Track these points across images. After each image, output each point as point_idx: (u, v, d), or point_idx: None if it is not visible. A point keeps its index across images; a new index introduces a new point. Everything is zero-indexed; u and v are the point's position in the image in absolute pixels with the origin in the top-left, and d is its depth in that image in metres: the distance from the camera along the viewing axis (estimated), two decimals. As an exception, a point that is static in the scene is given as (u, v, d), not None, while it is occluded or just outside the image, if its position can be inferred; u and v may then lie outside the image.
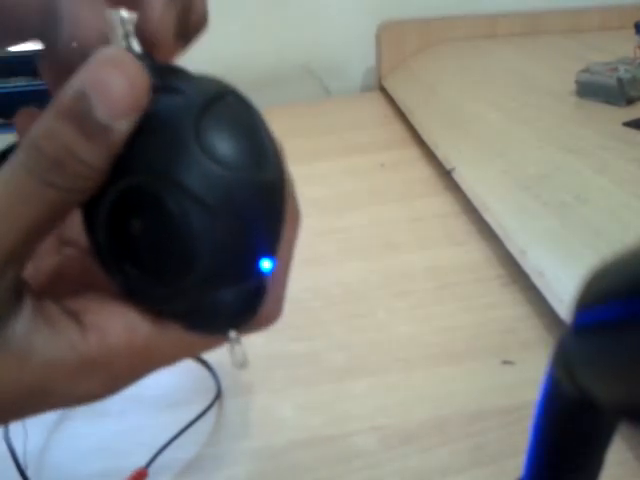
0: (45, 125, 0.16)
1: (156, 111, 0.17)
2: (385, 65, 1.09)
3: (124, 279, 0.19)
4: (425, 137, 0.81)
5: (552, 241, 0.51)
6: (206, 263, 0.17)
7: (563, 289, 0.46)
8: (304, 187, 0.85)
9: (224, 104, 0.18)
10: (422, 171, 0.77)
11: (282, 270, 0.21)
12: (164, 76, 0.18)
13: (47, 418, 0.44)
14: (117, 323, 0.19)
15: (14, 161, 0.16)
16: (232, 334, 0.20)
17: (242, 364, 0.20)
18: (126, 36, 0.18)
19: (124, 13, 0.18)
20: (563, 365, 0.18)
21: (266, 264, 0.19)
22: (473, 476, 0.37)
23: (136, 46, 0.18)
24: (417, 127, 0.85)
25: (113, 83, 0.16)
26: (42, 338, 0.17)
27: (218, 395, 0.45)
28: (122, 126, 0.16)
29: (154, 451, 0.40)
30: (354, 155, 0.83)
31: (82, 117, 0.16)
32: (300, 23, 1.09)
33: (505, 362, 0.46)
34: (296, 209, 0.22)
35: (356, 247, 0.62)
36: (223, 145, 0.17)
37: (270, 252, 0.19)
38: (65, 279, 0.22)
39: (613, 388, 0.16)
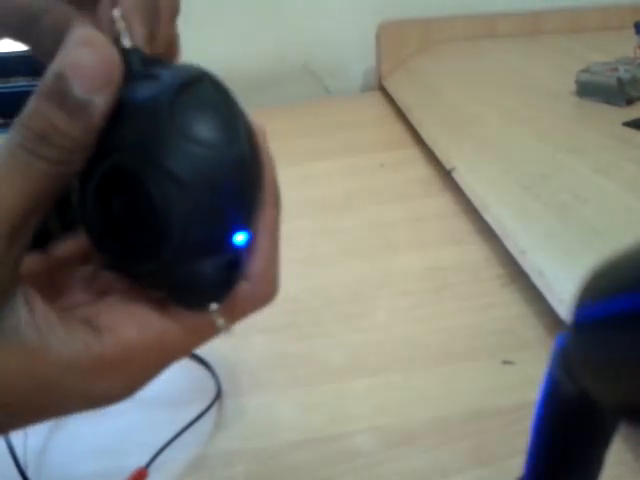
0: (31, 106, 0.18)
1: (135, 95, 0.19)
2: (385, 65, 1.09)
3: (111, 255, 0.20)
4: (425, 137, 0.81)
5: (552, 241, 0.51)
6: (180, 235, 0.18)
7: (563, 289, 0.46)
8: (304, 187, 0.85)
9: (198, 87, 0.20)
10: (422, 171, 0.77)
11: (266, 247, 0.22)
12: (147, 65, 0.20)
13: (47, 418, 0.44)
14: (129, 321, 0.19)
15: (8, 140, 0.18)
16: (213, 306, 0.20)
17: (227, 332, 0.21)
18: (116, 32, 0.20)
19: (115, 12, 0.20)
20: (563, 365, 0.18)
21: (240, 237, 0.20)
22: (473, 476, 0.37)
23: (126, 41, 0.20)
24: (417, 127, 0.85)
25: (86, 61, 0.18)
26: (57, 338, 0.18)
27: (218, 395, 0.45)
28: (99, 101, 0.18)
29: (154, 451, 0.40)
30: (354, 155, 0.83)
31: (62, 95, 0.18)
32: (300, 23, 1.09)
33: (505, 362, 0.46)
34: (275, 187, 0.23)
35: (356, 247, 0.62)
36: (196, 124, 0.19)
37: (244, 225, 0.20)
38: (72, 292, 0.22)
39: (613, 388, 0.16)
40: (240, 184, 0.20)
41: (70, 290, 0.22)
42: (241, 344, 0.50)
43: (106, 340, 0.19)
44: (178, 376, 0.47)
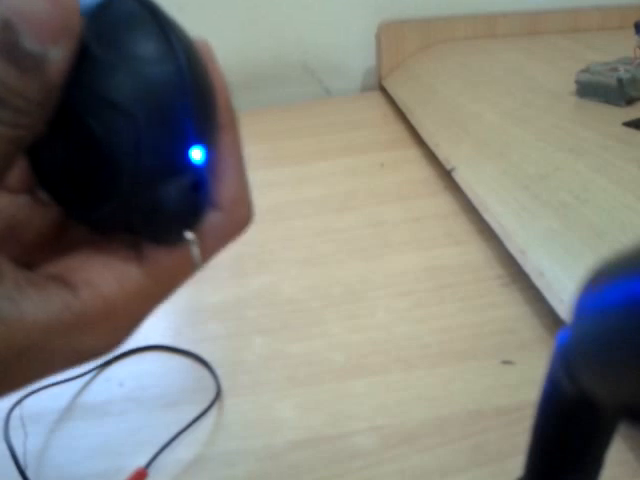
0: None
1: None
2: (385, 65, 1.09)
3: (70, 205, 0.19)
4: (425, 137, 0.81)
5: (552, 241, 0.51)
6: (131, 165, 0.18)
7: (563, 289, 0.46)
8: (304, 187, 0.85)
9: (119, 4, 0.18)
10: (422, 171, 0.77)
11: (232, 170, 0.21)
12: None
13: (47, 418, 0.44)
14: (105, 274, 0.19)
15: None
16: (188, 235, 0.20)
17: (202, 266, 0.20)
18: None
19: None
20: (563, 365, 0.18)
21: (197, 153, 0.19)
22: (473, 476, 0.37)
23: None
24: (417, 127, 0.85)
25: (36, 6, 0.15)
26: (31, 303, 0.17)
27: (218, 395, 0.45)
28: (56, 54, 0.16)
29: (154, 451, 0.40)
30: (354, 155, 0.83)
31: (9, 48, 0.15)
32: (300, 23, 1.09)
33: (505, 362, 0.46)
34: (230, 108, 0.21)
35: (356, 247, 0.62)
36: (124, 43, 0.17)
37: (198, 141, 0.19)
38: (39, 245, 0.22)
39: (613, 388, 0.16)
40: (186, 98, 0.18)
41: (36, 246, 0.21)
42: (241, 344, 0.50)
43: (85, 296, 0.18)
44: (178, 376, 0.47)
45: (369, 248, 0.62)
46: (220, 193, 0.20)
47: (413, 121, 0.87)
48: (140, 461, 0.39)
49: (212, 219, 0.20)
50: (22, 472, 0.39)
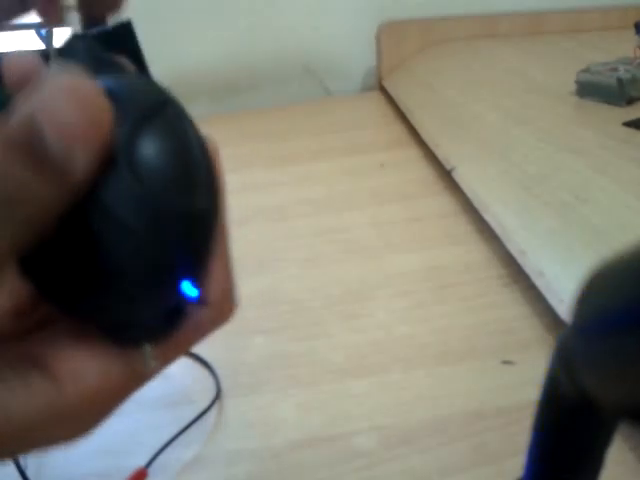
0: None
1: None
2: (385, 65, 1.09)
3: (53, 295, 0.18)
4: (425, 137, 0.81)
5: (552, 241, 0.51)
6: (119, 280, 0.18)
7: (563, 289, 0.46)
8: (304, 187, 0.85)
9: (161, 119, 0.17)
10: (422, 171, 0.77)
11: (220, 267, 0.21)
12: (101, 71, 0.18)
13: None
14: (90, 368, 0.18)
15: None
16: (147, 348, 0.20)
17: (152, 371, 0.20)
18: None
19: None
20: (563, 365, 0.18)
21: (187, 287, 0.19)
22: (473, 476, 0.37)
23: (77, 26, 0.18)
24: (417, 127, 0.85)
25: (65, 109, 0.14)
26: (17, 401, 0.17)
27: (218, 395, 0.45)
28: (82, 158, 0.15)
29: (154, 451, 0.40)
30: (354, 155, 0.83)
31: (32, 145, 0.14)
32: (300, 23, 1.09)
33: (505, 362, 0.46)
34: (224, 231, 0.21)
35: (356, 247, 0.62)
36: (153, 167, 0.17)
37: (192, 277, 0.19)
38: (22, 317, 0.21)
39: (613, 388, 0.16)
40: (192, 236, 0.18)
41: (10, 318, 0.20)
42: (241, 344, 0.50)
43: (68, 391, 0.17)
44: (178, 376, 0.47)
45: (369, 248, 0.62)
46: (208, 290, 0.21)
47: (413, 121, 0.87)
48: (140, 461, 0.39)
49: (198, 313, 0.21)
50: (22, 472, 0.39)
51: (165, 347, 0.20)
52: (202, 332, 0.21)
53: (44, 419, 0.17)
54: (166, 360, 0.21)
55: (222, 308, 0.22)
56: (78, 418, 0.18)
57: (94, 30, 0.20)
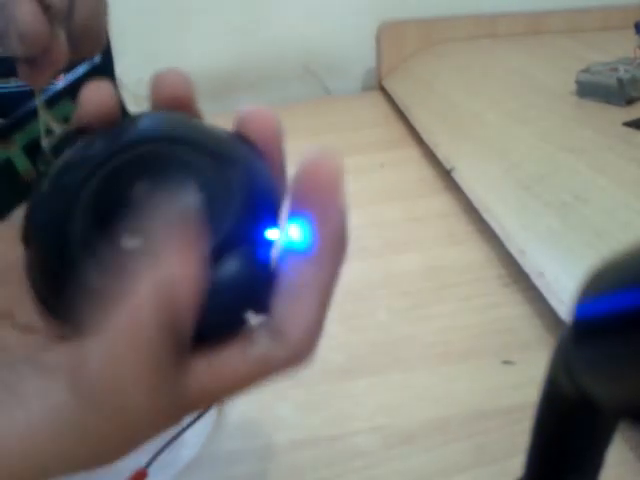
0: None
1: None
2: (385, 65, 1.09)
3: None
4: (425, 137, 0.81)
5: (552, 241, 0.51)
6: (217, 220, 0.17)
7: (563, 289, 0.46)
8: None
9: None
10: (422, 171, 0.77)
11: (310, 294, 0.19)
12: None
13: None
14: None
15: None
16: (249, 317, 0.18)
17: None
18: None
19: None
20: (563, 365, 0.18)
21: (273, 233, 0.18)
22: (474, 476, 0.37)
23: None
24: (417, 127, 0.85)
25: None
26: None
27: (218, 395, 0.45)
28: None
29: (154, 451, 0.40)
30: (354, 155, 0.83)
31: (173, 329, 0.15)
32: (300, 23, 1.09)
33: (505, 362, 0.46)
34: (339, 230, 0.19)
35: (356, 247, 0.62)
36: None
37: (277, 224, 0.18)
38: None
39: (613, 388, 0.16)
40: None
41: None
42: (241, 344, 0.50)
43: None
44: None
45: (369, 248, 0.62)
46: (291, 325, 0.18)
47: (413, 121, 0.87)
48: (140, 461, 0.39)
49: (272, 349, 0.18)
50: (22, 472, 0.39)
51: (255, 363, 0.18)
52: (270, 369, 0.18)
53: None
54: (237, 373, 0.18)
55: (299, 349, 0.18)
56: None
57: (68, 79, 0.21)
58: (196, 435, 0.42)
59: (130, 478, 0.38)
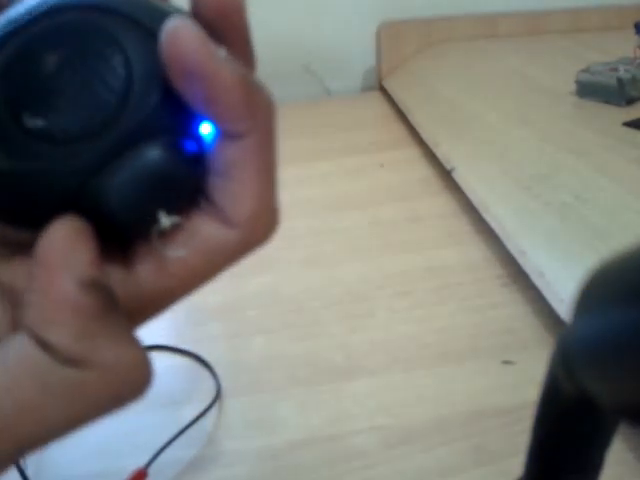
0: None
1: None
2: (385, 65, 1.09)
3: (20, 139, 0.16)
4: (425, 137, 0.81)
5: (552, 241, 0.51)
6: (138, 103, 0.16)
7: (563, 289, 0.46)
8: (304, 187, 0.85)
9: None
10: (422, 171, 0.77)
11: (251, 175, 0.17)
12: None
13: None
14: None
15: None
16: (163, 217, 0.16)
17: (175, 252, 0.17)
18: None
19: None
20: (563, 365, 0.18)
21: (206, 127, 0.17)
22: (473, 476, 0.37)
23: None
24: (417, 127, 0.85)
25: None
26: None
27: (218, 395, 0.45)
28: None
29: (154, 451, 0.40)
30: (354, 155, 0.83)
31: None
32: (300, 23, 1.09)
33: (505, 362, 0.46)
34: (251, 97, 0.18)
35: (356, 247, 0.62)
36: None
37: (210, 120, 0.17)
38: None
39: (613, 388, 0.16)
40: None
41: None
42: (241, 344, 0.50)
43: None
44: (178, 376, 0.47)
45: (369, 248, 0.62)
46: (234, 208, 0.17)
47: (413, 121, 0.87)
48: (140, 461, 0.39)
49: (221, 235, 0.17)
50: (22, 472, 0.39)
51: (208, 254, 0.17)
52: (229, 256, 0.18)
53: None
54: (189, 266, 0.17)
55: (252, 231, 0.17)
56: None
57: None
58: (196, 435, 0.42)
59: (130, 478, 0.38)
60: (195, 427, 0.42)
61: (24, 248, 0.18)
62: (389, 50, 1.08)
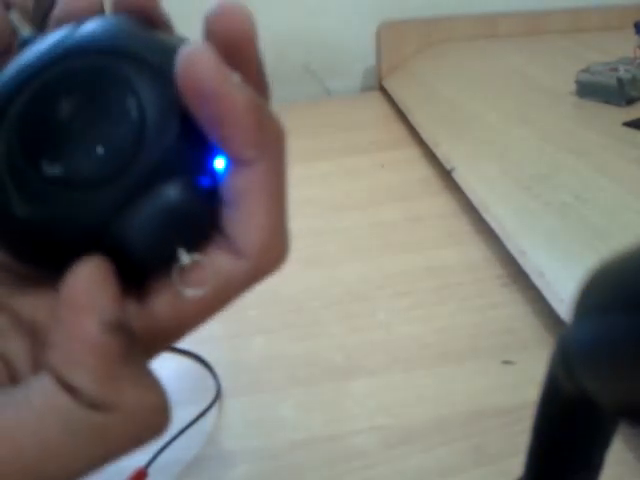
0: None
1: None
2: (385, 65, 1.09)
3: (36, 187, 0.16)
4: (425, 137, 0.81)
5: (552, 241, 0.51)
6: (153, 145, 0.16)
7: (563, 289, 0.46)
8: (304, 187, 0.85)
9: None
10: (422, 171, 0.77)
11: (261, 205, 0.17)
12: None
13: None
14: None
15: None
16: (183, 255, 0.17)
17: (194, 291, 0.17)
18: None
19: None
20: (563, 365, 0.18)
21: (219, 162, 0.17)
22: (473, 476, 0.37)
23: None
24: (417, 127, 0.85)
25: None
26: None
27: (218, 395, 0.45)
28: None
29: (154, 451, 0.40)
30: (354, 155, 0.83)
31: None
32: (300, 23, 1.09)
33: (505, 362, 0.46)
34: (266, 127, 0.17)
35: (356, 247, 0.62)
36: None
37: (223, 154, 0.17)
38: None
39: (613, 388, 0.16)
40: None
41: None
42: (241, 344, 0.50)
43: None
44: (178, 376, 0.47)
45: (369, 248, 0.62)
46: (245, 238, 0.17)
47: (413, 121, 0.87)
48: (140, 461, 0.39)
49: (232, 267, 0.17)
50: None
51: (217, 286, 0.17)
52: (239, 286, 0.18)
53: None
54: (203, 300, 0.17)
55: (261, 262, 0.17)
56: None
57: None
58: (196, 435, 0.42)
59: (130, 478, 0.38)
60: (195, 427, 0.42)
61: (38, 279, 0.18)
62: (389, 50, 1.08)
